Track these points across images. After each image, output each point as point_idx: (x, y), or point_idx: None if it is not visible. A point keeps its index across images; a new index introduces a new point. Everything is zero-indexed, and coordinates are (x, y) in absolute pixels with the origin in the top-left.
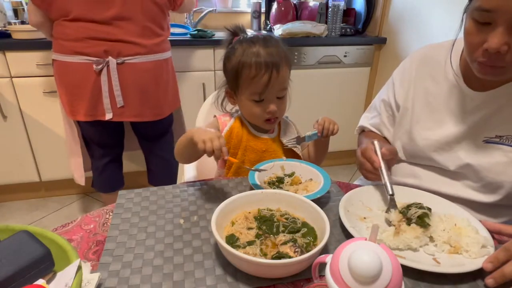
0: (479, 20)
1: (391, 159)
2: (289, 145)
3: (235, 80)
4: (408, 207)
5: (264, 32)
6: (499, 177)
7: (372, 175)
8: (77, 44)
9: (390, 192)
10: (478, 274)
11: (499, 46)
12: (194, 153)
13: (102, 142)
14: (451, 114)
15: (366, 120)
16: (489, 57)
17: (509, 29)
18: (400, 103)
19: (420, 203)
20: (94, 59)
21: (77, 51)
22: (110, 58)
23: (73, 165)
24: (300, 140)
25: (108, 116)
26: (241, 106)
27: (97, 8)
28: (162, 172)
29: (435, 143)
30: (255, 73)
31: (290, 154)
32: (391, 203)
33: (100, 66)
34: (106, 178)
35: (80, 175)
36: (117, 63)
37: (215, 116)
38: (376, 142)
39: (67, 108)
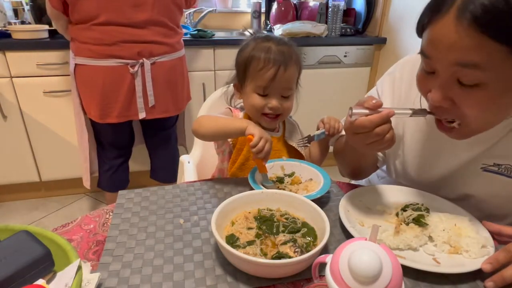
0: (424, 67)
1: None
2: (300, 145)
3: (243, 72)
4: (405, 208)
5: (264, 32)
6: (500, 211)
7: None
8: (110, 48)
9: (422, 107)
10: (478, 274)
11: (440, 100)
12: (229, 137)
13: (118, 143)
14: (445, 145)
15: None
16: (435, 110)
17: (449, 79)
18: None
19: (417, 204)
20: (130, 61)
21: (111, 55)
22: (144, 59)
23: (83, 169)
24: (310, 139)
25: (142, 115)
26: (244, 98)
27: (129, 12)
28: (167, 166)
29: (431, 178)
30: (262, 66)
31: (293, 153)
32: (421, 111)
33: (136, 68)
34: (116, 179)
35: (86, 179)
36: (150, 64)
37: (228, 107)
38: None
39: (97, 112)
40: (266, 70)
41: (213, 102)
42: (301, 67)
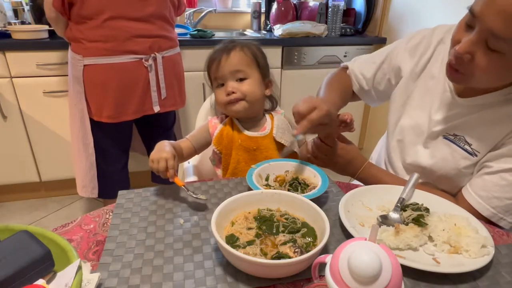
0: (466, 20)
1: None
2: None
3: (208, 76)
4: (405, 208)
5: (264, 32)
6: (441, 172)
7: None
8: (124, 43)
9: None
10: (478, 274)
11: (463, 52)
12: None
13: (121, 145)
14: (433, 106)
15: (360, 65)
16: (455, 58)
17: (480, 40)
18: (404, 71)
19: (417, 204)
20: (143, 56)
21: (126, 50)
22: (155, 53)
23: (87, 178)
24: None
25: (156, 109)
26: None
27: (137, 6)
28: None
29: (414, 125)
30: (210, 62)
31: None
32: None
33: (150, 62)
34: (116, 183)
35: (93, 187)
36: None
37: (208, 118)
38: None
39: (111, 112)
40: (213, 63)
41: (212, 103)
42: (255, 54)
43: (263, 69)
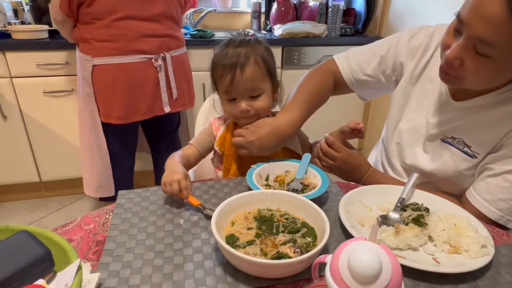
0: (455, 26)
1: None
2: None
3: (213, 81)
4: (405, 208)
5: (264, 32)
6: (441, 175)
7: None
8: (133, 43)
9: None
10: (478, 274)
11: (452, 59)
12: None
13: (128, 147)
14: (430, 109)
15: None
16: (445, 63)
17: (468, 45)
18: (406, 71)
19: (417, 204)
20: (152, 56)
21: (135, 50)
22: (165, 53)
23: (103, 178)
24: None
25: (167, 109)
26: (222, 105)
27: (146, 5)
28: None
29: (412, 128)
30: (221, 72)
31: (288, 153)
32: None
33: (159, 61)
34: (121, 185)
35: (110, 187)
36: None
37: (210, 121)
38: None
39: (121, 113)
40: (224, 76)
41: (212, 102)
42: (268, 63)
43: (274, 76)
